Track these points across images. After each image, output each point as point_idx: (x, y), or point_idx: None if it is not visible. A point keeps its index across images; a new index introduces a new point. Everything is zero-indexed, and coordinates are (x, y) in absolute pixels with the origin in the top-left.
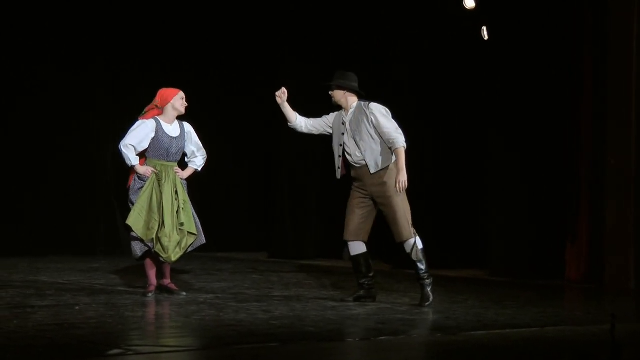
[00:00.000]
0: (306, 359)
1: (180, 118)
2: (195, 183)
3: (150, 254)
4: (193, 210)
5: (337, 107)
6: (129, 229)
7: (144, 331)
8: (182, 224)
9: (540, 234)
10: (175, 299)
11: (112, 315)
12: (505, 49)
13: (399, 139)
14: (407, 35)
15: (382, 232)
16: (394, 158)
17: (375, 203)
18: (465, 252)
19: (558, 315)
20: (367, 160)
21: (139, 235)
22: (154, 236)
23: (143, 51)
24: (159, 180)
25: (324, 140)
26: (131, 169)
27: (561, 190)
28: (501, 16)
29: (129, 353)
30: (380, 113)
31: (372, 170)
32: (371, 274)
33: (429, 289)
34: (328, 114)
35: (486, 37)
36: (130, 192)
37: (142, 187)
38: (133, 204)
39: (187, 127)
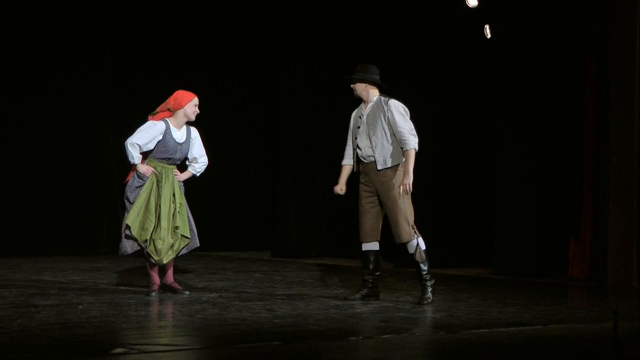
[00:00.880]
0: (309, 357)
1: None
2: (199, 182)
3: (141, 254)
4: (189, 214)
5: (359, 101)
6: (125, 226)
7: (147, 330)
8: (177, 227)
9: (543, 232)
10: (178, 298)
11: (116, 315)
12: (508, 48)
13: (411, 141)
14: (409, 33)
15: (385, 230)
16: (400, 160)
17: (380, 200)
18: (469, 251)
19: (561, 313)
20: (376, 156)
21: (134, 234)
22: (147, 237)
23: (147, 52)
24: (158, 181)
25: (326, 141)
26: (132, 166)
27: (565, 189)
28: (503, 14)
29: (132, 352)
30: (398, 111)
31: (379, 167)
32: (377, 273)
33: (430, 290)
34: (333, 109)
35: (489, 36)
36: (128, 189)
37: (141, 185)
38: (129, 201)
39: (194, 132)
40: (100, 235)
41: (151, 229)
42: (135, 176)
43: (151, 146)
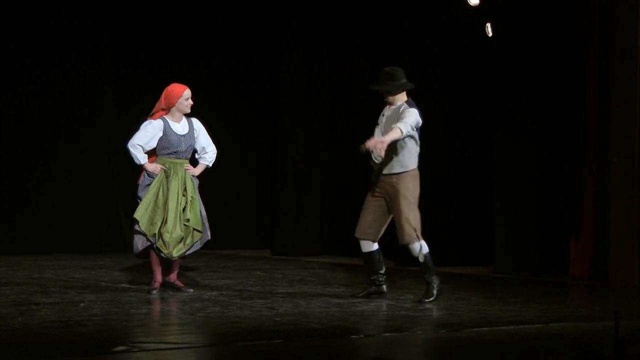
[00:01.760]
0: (310, 355)
1: (188, 114)
2: (200, 182)
3: (152, 250)
4: (202, 208)
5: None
6: (135, 221)
7: (148, 328)
8: (187, 220)
9: (544, 231)
10: (179, 295)
11: (117, 312)
12: (510, 46)
13: (404, 127)
14: (409, 33)
15: (388, 229)
16: (410, 166)
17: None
18: (470, 249)
19: (562, 312)
20: (385, 160)
21: (142, 229)
22: (156, 231)
23: (147, 52)
24: (167, 177)
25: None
26: (142, 167)
27: (566, 188)
28: (505, 13)
29: (133, 350)
30: (409, 112)
31: (385, 171)
32: (382, 271)
33: (435, 290)
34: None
35: (490, 34)
36: (139, 188)
37: (150, 183)
38: (141, 200)
39: (196, 123)
40: (101, 233)
41: (159, 224)
42: (145, 175)
43: (153, 144)
